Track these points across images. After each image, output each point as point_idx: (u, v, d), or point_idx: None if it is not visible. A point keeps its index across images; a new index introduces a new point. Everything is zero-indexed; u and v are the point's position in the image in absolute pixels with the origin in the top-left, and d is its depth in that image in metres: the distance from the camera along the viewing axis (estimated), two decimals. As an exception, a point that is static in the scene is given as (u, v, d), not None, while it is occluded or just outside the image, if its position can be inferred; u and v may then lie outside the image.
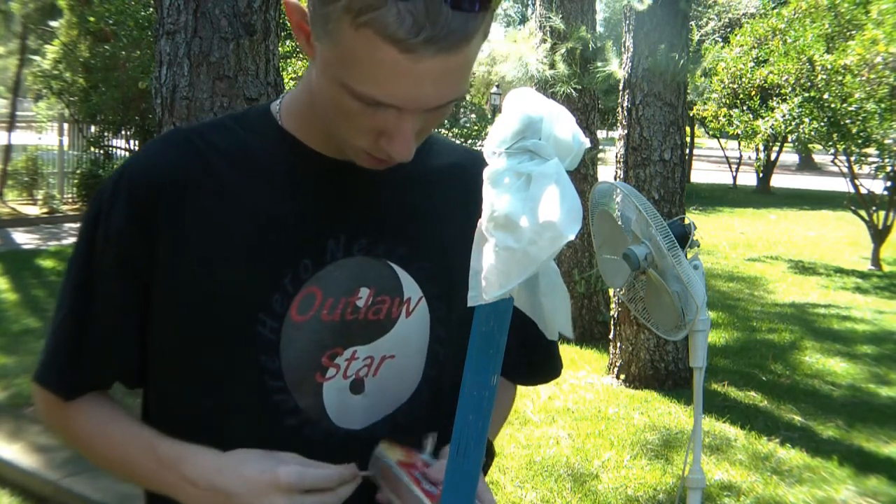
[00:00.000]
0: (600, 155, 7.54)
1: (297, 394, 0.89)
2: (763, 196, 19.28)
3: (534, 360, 1.09)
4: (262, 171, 0.91)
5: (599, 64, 5.96)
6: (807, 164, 30.38)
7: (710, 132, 17.73)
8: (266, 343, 0.87)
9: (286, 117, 0.94)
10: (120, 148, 12.94)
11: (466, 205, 0.96)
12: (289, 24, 0.94)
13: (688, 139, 11.10)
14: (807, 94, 9.52)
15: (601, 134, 18.94)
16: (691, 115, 14.26)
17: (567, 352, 5.95)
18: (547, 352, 1.10)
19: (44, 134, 14.53)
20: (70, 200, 13.11)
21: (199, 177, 0.89)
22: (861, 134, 9.14)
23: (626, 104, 5.36)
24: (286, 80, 9.08)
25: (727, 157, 20.86)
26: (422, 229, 0.96)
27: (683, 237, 2.29)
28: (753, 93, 11.23)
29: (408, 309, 0.94)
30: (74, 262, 0.92)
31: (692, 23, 5.56)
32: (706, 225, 13.14)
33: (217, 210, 0.89)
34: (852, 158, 9.68)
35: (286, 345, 0.88)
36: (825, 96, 9.29)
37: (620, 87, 5.47)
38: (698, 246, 2.37)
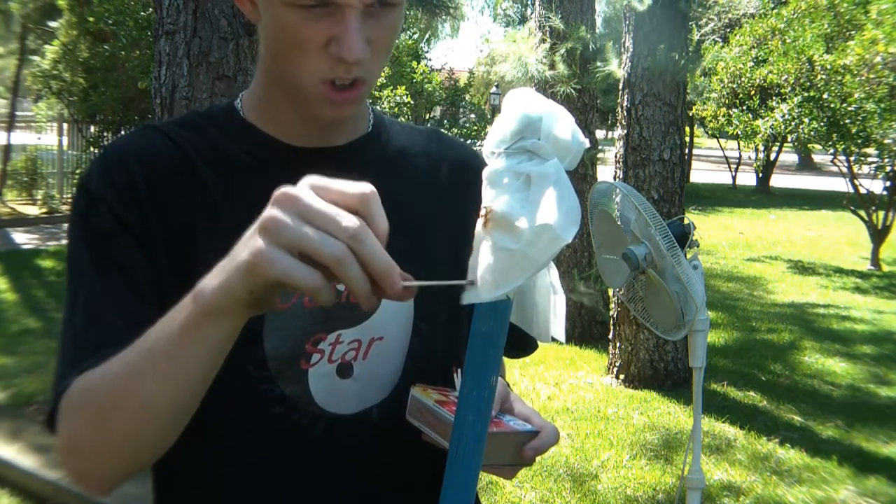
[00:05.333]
0: (599, 155, 7.53)
1: (281, 381, 0.89)
2: (762, 196, 19.29)
3: (513, 334, 1.09)
4: (230, 164, 0.92)
5: (599, 64, 5.96)
6: (806, 164, 30.39)
7: (710, 132, 17.74)
8: (249, 333, 0.86)
9: (248, 110, 0.96)
10: (119, 148, 12.95)
11: (434, 181, 1.01)
12: None
13: (687, 139, 11.10)
14: (806, 94, 9.53)
15: (601, 134, 18.95)
16: (691, 114, 14.27)
17: (566, 352, 5.96)
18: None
19: (43, 134, 14.54)
20: (69, 201, 13.08)
21: (178, 166, 0.90)
22: (860, 134, 9.14)
23: (625, 104, 5.36)
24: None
25: (727, 157, 20.86)
26: (394, 207, 0.96)
27: (683, 237, 2.29)
28: (753, 93, 11.23)
29: None
30: (74, 253, 0.88)
31: (692, 23, 5.56)
32: (705, 225, 13.15)
33: (197, 203, 0.89)
34: (852, 158, 9.68)
35: (269, 334, 0.88)
36: (825, 96, 9.30)
37: (620, 87, 5.48)
38: (697, 246, 2.37)
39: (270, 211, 0.62)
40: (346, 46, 0.81)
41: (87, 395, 0.76)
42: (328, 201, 0.62)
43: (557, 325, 0.78)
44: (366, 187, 0.63)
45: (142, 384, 0.71)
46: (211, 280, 0.67)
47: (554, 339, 0.79)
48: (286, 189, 0.62)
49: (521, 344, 1.12)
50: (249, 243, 0.63)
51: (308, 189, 0.63)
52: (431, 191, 1.00)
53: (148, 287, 0.84)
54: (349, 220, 0.61)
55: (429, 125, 15.28)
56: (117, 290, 0.84)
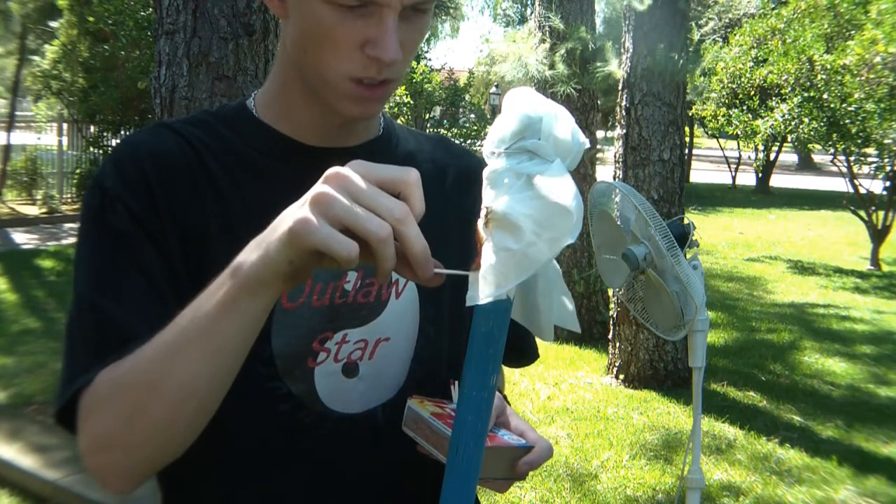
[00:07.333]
0: (599, 155, 7.54)
1: (288, 380, 0.89)
2: (762, 196, 19.29)
3: (515, 343, 1.09)
4: (242, 163, 0.92)
5: (599, 64, 5.96)
6: (806, 164, 30.40)
7: (710, 132, 17.74)
8: None
9: (262, 109, 0.96)
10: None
11: (441, 188, 1.02)
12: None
13: (687, 139, 11.10)
14: (806, 94, 9.53)
15: (600, 134, 18.95)
16: (690, 114, 14.27)
17: (566, 352, 5.95)
18: (527, 334, 1.09)
19: (43, 134, 14.55)
20: (69, 200, 13.10)
21: (191, 165, 0.90)
22: (860, 134, 9.15)
23: (624, 104, 5.36)
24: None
25: (726, 157, 20.86)
26: None
27: (682, 237, 2.29)
28: (753, 93, 11.23)
29: (397, 290, 0.95)
30: (86, 251, 0.86)
31: (692, 23, 5.56)
32: (705, 225, 13.15)
33: (209, 202, 0.89)
34: (851, 158, 9.68)
35: (277, 332, 0.89)
36: (824, 96, 9.29)
37: (619, 87, 5.48)
38: (697, 246, 2.37)
39: (322, 187, 0.65)
40: (383, 47, 0.82)
41: (119, 385, 0.75)
42: (374, 182, 0.66)
43: (569, 316, 0.78)
44: (410, 172, 0.68)
45: (179, 364, 0.72)
46: (249, 254, 0.69)
47: (557, 338, 0.80)
48: (337, 168, 0.66)
49: (521, 353, 1.12)
50: (294, 214, 0.66)
51: (357, 170, 0.66)
52: (437, 197, 0.99)
53: (165, 285, 0.84)
54: (396, 204, 0.65)
55: (428, 125, 15.30)
56: (136, 288, 0.83)
